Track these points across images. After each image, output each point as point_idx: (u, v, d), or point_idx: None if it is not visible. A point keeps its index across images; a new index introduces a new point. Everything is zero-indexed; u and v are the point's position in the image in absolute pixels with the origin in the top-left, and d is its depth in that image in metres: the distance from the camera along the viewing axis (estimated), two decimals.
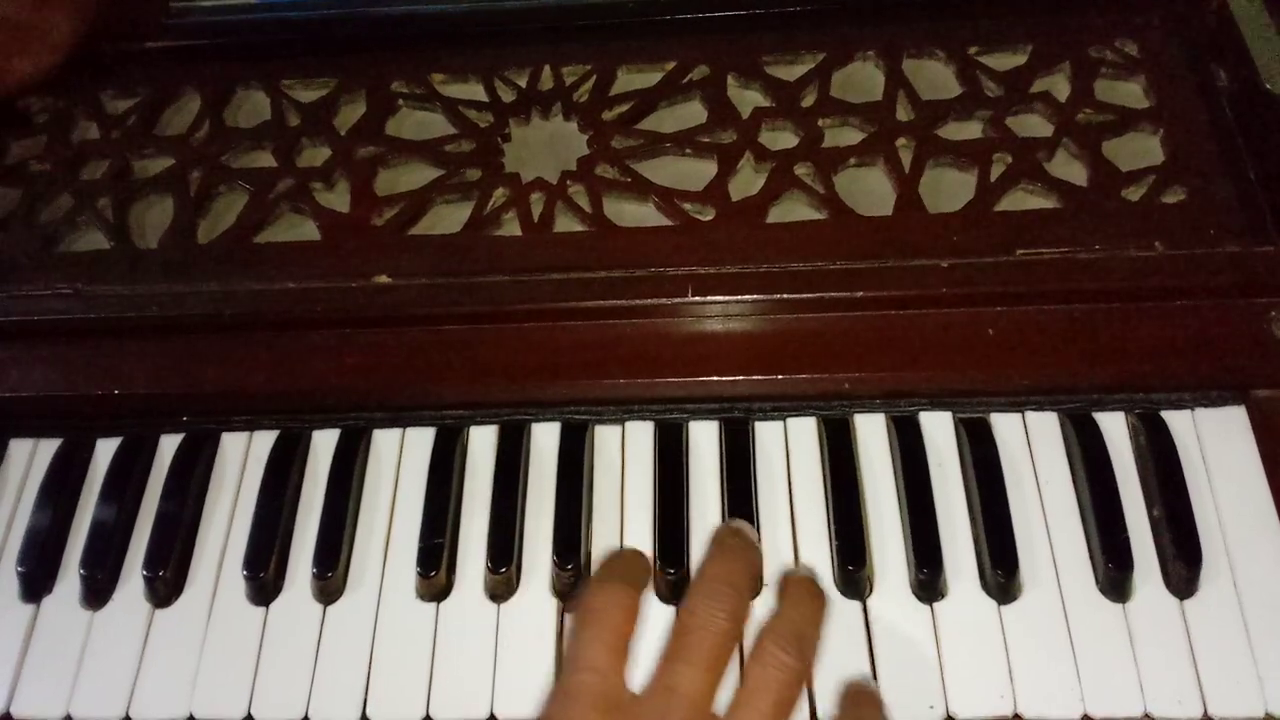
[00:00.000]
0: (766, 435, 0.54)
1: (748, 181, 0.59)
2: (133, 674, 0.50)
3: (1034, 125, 0.60)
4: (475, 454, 0.55)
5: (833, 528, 0.51)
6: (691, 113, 0.63)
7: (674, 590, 0.50)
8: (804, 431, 0.54)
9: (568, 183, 0.60)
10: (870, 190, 0.59)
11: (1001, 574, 0.48)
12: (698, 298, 0.54)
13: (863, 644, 0.48)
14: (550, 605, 0.50)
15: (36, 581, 0.53)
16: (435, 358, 0.55)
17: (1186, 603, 0.48)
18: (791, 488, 0.53)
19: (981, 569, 0.49)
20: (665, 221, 0.58)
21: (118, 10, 0.68)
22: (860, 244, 0.56)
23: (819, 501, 0.52)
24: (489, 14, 0.67)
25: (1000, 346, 0.53)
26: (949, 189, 0.58)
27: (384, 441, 0.55)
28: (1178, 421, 0.53)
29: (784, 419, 0.54)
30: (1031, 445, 0.53)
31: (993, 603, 0.49)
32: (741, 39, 0.65)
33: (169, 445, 0.56)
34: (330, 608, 0.51)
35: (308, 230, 0.60)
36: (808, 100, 0.62)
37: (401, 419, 0.56)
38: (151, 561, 0.52)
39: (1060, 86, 0.61)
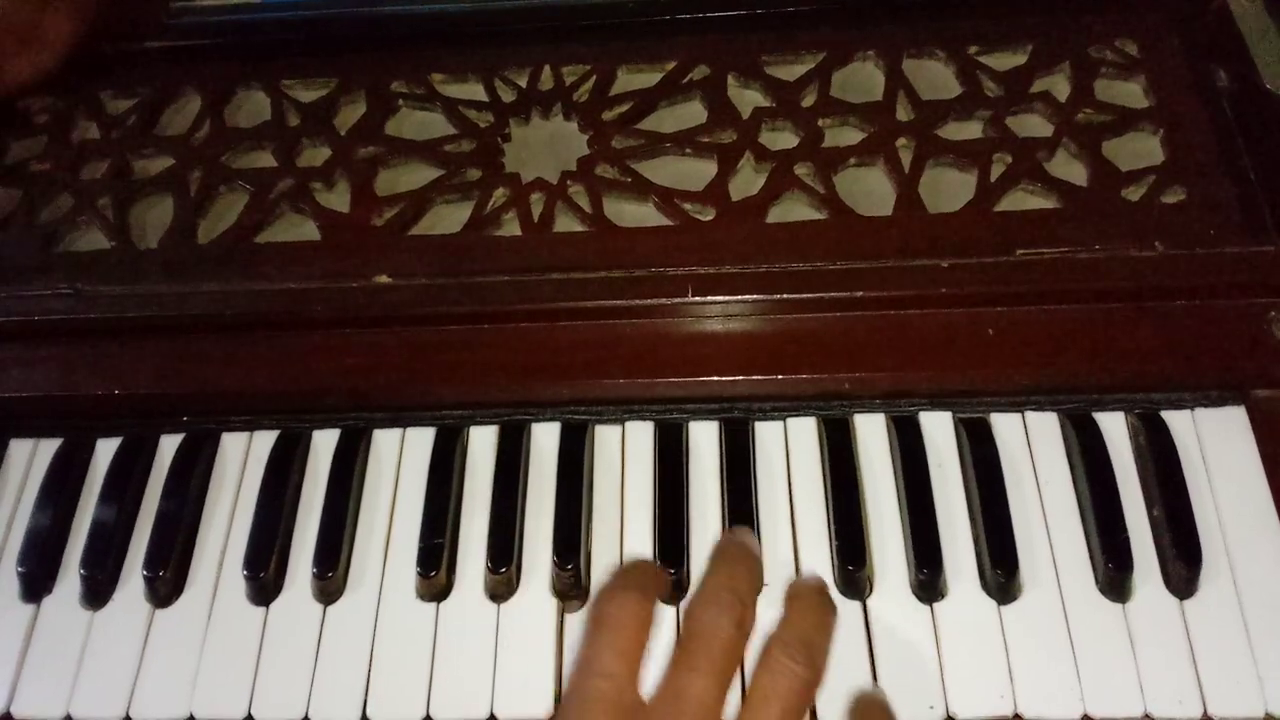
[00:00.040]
0: (766, 435, 0.54)
1: (748, 181, 0.59)
2: (133, 674, 0.50)
3: (1034, 125, 0.60)
4: (475, 454, 0.55)
5: (833, 528, 0.51)
6: (691, 113, 0.63)
7: (674, 590, 0.50)
8: (804, 431, 0.54)
9: (568, 183, 0.60)
10: (870, 190, 0.59)
11: (1001, 574, 0.48)
12: (698, 298, 0.54)
13: (862, 644, 0.48)
14: (550, 605, 0.50)
15: (37, 581, 0.53)
16: (435, 358, 0.55)
17: (1186, 603, 0.48)
18: (791, 488, 0.53)
19: (981, 569, 0.49)
20: (665, 221, 0.58)
21: (118, 10, 0.68)
22: (860, 244, 0.56)
23: (819, 501, 0.52)
24: (489, 14, 0.67)
25: (1000, 346, 0.53)
26: (949, 189, 0.58)
27: (384, 441, 0.55)
28: (1178, 421, 0.53)
29: (784, 419, 0.54)
30: (1031, 445, 0.53)
31: (993, 603, 0.49)
32: (741, 39, 0.65)
33: (169, 445, 0.56)
34: (330, 608, 0.51)
35: (308, 230, 0.60)
36: (808, 100, 0.62)
37: (401, 419, 0.56)
38: (152, 561, 0.52)
39: (1060, 86, 0.61)
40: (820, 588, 0.45)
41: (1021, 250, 0.54)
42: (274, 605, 0.51)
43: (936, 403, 0.54)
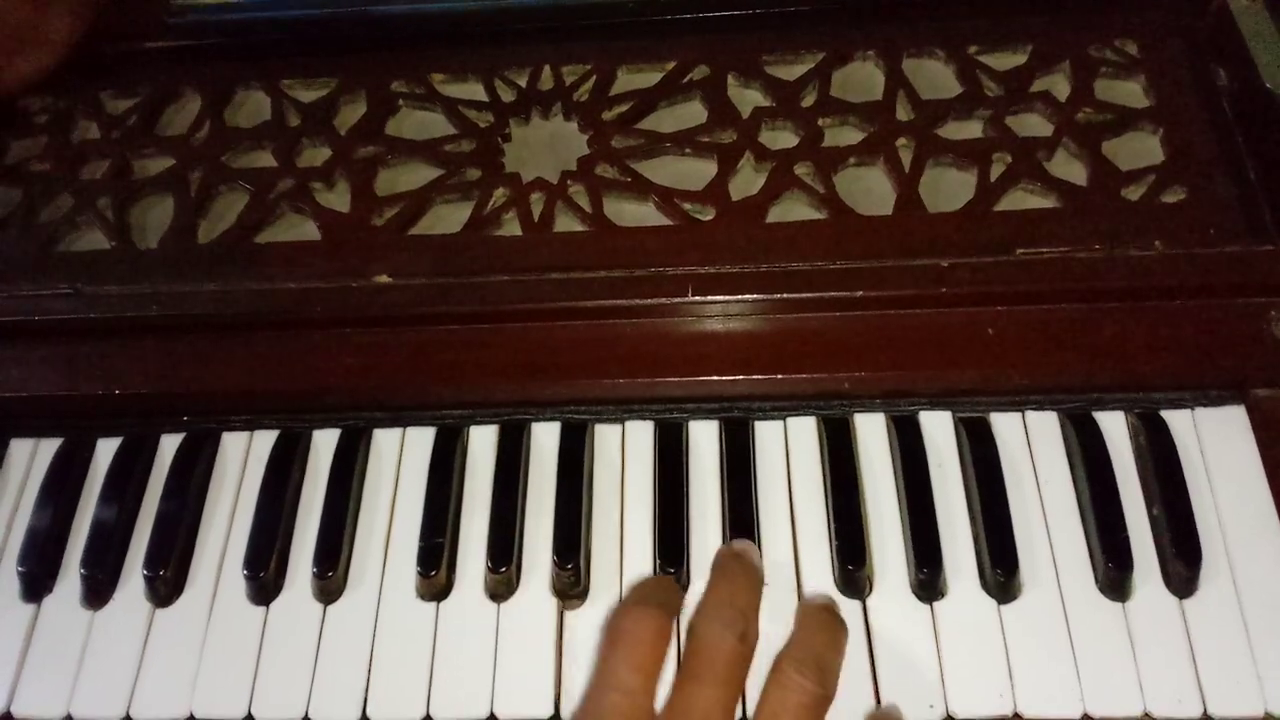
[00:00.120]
0: (766, 435, 0.54)
1: (748, 181, 0.59)
2: (133, 674, 0.50)
3: (1034, 125, 0.60)
4: (475, 454, 0.55)
5: (833, 527, 0.51)
6: (691, 113, 0.63)
7: None
8: (804, 431, 0.54)
9: (568, 182, 0.60)
10: (870, 190, 0.59)
11: (1001, 573, 0.48)
12: (698, 297, 0.54)
13: (862, 643, 0.48)
14: (550, 605, 0.50)
15: (37, 581, 0.53)
16: (435, 358, 0.55)
17: (1186, 602, 0.48)
18: (791, 487, 0.53)
19: (981, 568, 0.49)
20: (665, 221, 0.58)
21: (118, 10, 0.68)
22: (860, 244, 0.56)
23: (819, 501, 0.52)
24: (489, 14, 0.67)
25: (1000, 346, 0.53)
26: (949, 189, 0.58)
27: (384, 441, 0.56)
28: (1178, 421, 0.53)
29: (784, 418, 0.54)
30: (1031, 445, 0.53)
31: (992, 602, 0.49)
32: (741, 39, 0.65)
33: (169, 445, 0.56)
34: (330, 607, 0.51)
35: (308, 230, 0.60)
36: (808, 100, 0.62)
37: (401, 419, 0.56)
38: (152, 561, 0.52)
39: (1060, 86, 0.61)
40: (831, 607, 0.45)
41: (1021, 250, 0.54)
42: (274, 605, 0.51)
43: (936, 402, 0.54)
